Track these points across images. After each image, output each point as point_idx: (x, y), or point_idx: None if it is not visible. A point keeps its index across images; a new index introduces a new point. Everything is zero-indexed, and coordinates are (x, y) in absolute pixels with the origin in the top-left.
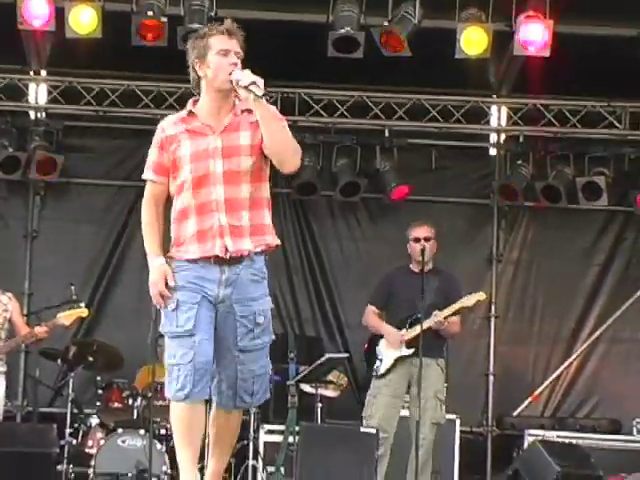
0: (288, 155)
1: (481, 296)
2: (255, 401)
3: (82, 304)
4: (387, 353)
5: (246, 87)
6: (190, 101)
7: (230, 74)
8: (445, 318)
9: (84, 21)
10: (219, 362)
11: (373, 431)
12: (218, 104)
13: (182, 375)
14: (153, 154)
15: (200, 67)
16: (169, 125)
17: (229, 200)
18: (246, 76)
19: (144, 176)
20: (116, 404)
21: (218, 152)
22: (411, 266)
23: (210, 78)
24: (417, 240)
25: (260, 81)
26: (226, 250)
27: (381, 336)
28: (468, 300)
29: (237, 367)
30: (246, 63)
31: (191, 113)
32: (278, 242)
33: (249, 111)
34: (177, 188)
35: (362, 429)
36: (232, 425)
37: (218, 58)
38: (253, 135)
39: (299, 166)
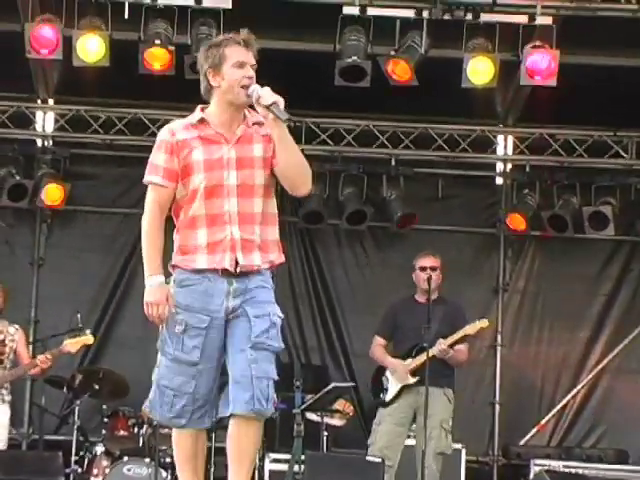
0: (302, 178)
1: (484, 323)
2: (270, 407)
3: (87, 331)
4: (393, 382)
5: (268, 107)
6: (198, 108)
7: (245, 87)
8: (450, 346)
9: (91, 50)
10: (232, 366)
11: (379, 460)
12: (230, 115)
13: (178, 405)
14: (161, 158)
15: (214, 77)
16: (179, 129)
17: (242, 214)
18: (267, 94)
19: (149, 180)
20: (122, 432)
21: (232, 163)
22: (416, 296)
23: (224, 89)
24: (423, 269)
25: (281, 101)
26: (236, 264)
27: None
28: (471, 328)
29: (251, 366)
30: None
31: (202, 120)
32: (283, 260)
33: (259, 124)
34: (186, 196)
35: (368, 458)
36: (253, 436)
37: (233, 70)
38: (265, 148)
39: (310, 190)
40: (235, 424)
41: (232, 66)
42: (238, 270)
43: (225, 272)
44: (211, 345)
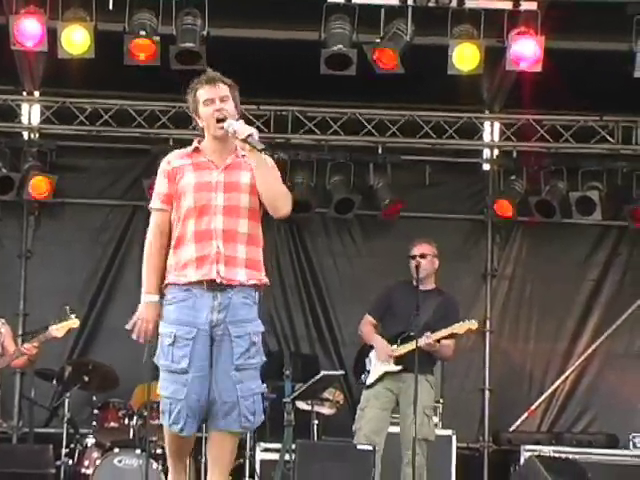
0: (280, 203)
1: (473, 325)
2: (257, 421)
3: (72, 315)
4: (375, 365)
5: (244, 140)
6: (195, 140)
7: (220, 121)
8: (436, 341)
9: (76, 41)
10: (219, 387)
11: (369, 447)
12: (219, 147)
13: (175, 410)
14: (162, 185)
15: (197, 118)
16: (175, 158)
17: (227, 231)
18: (242, 128)
19: (151, 206)
20: (112, 424)
21: (220, 186)
22: (413, 281)
23: (205, 127)
24: (413, 257)
25: (255, 133)
26: (219, 275)
27: (371, 347)
28: (460, 327)
29: (237, 387)
30: (240, 82)
31: (197, 149)
32: (268, 281)
33: None
34: (179, 216)
35: (358, 446)
36: (232, 446)
37: (205, 109)
38: (253, 176)
39: (290, 212)
40: (219, 435)
41: (204, 105)
42: (219, 281)
43: (210, 285)
44: (198, 355)
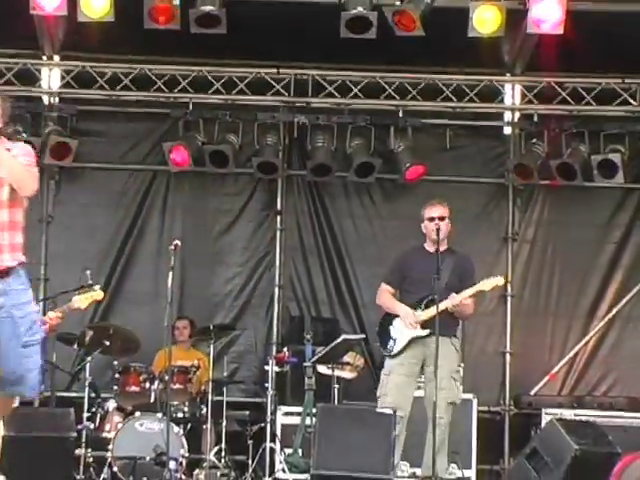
0: (22, 184)
1: (499, 281)
2: (39, 389)
3: (97, 287)
4: (401, 333)
5: None
6: None
7: None
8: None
9: (96, 5)
10: (5, 361)
11: (390, 411)
12: None
13: None
14: None
15: None
16: None
17: None
18: None
19: None
20: (133, 388)
21: None
22: (425, 245)
23: None
24: (431, 219)
25: None
26: None
27: (394, 315)
28: (486, 284)
29: (22, 360)
30: (260, 45)
31: None
32: (25, 259)
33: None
34: None
35: (379, 409)
36: (11, 406)
37: None
38: None
39: (36, 190)
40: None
41: None
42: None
43: None
44: None
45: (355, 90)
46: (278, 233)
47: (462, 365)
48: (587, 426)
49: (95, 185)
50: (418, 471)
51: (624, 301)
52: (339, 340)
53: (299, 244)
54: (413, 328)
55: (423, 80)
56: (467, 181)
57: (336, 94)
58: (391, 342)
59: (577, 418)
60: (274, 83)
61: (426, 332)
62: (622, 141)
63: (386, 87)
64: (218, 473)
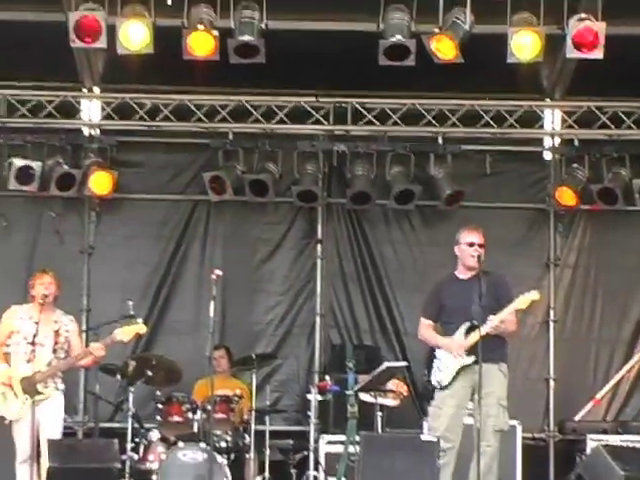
0: None
1: (535, 296)
2: None
3: (140, 320)
4: (448, 364)
5: None
6: None
7: None
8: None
9: (135, 37)
10: None
11: (434, 439)
12: None
13: None
14: None
15: None
16: None
17: None
18: None
19: None
20: (176, 418)
21: None
22: (456, 272)
23: None
24: (471, 245)
25: None
26: None
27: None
28: (523, 301)
29: None
30: (298, 74)
31: None
32: None
33: None
34: None
35: (423, 437)
36: None
37: None
38: None
39: None
40: None
41: None
42: None
43: None
44: None
45: (394, 117)
46: (319, 261)
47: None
48: (633, 452)
49: (136, 216)
50: None
51: None
52: (382, 368)
53: (340, 272)
54: (460, 357)
55: (462, 106)
56: (507, 207)
57: (375, 122)
58: (439, 375)
59: (622, 444)
60: (313, 112)
61: (472, 359)
62: None
63: (425, 114)
64: None
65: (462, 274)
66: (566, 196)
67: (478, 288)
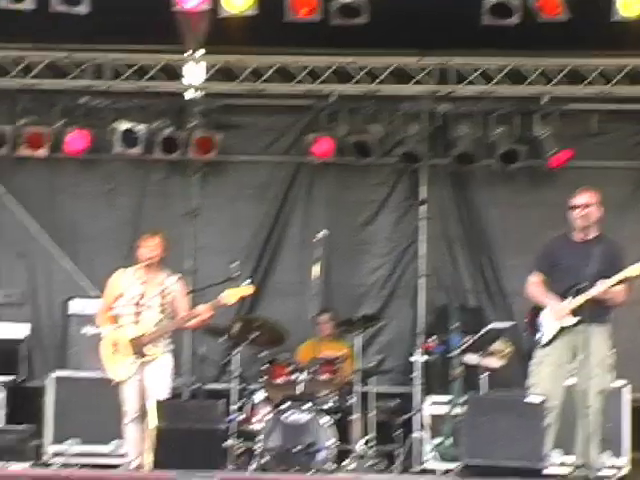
0: None
1: None
2: None
3: (247, 282)
4: (550, 323)
5: None
6: None
7: None
8: (610, 287)
9: None
10: None
11: (539, 400)
12: None
13: None
14: None
15: None
16: None
17: None
18: None
19: None
20: (281, 379)
21: None
22: (573, 234)
23: None
24: (574, 207)
25: None
26: None
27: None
28: (633, 270)
29: None
30: (403, 34)
31: None
32: None
33: None
34: None
35: (528, 399)
36: None
37: None
38: None
39: None
40: None
41: None
42: None
43: None
44: None
45: (499, 77)
46: (422, 222)
47: (614, 351)
48: None
49: (239, 178)
50: (571, 459)
51: None
52: (487, 328)
53: (443, 233)
54: (562, 319)
55: (567, 65)
56: (614, 166)
57: (480, 81)
58: (540, 332)
59: None
60: (417, 72)
61: (574, 320)
62: None
63: (530, 73)
64: (367, 463)
65: (576, 236)
66: None
67: (591, 251)
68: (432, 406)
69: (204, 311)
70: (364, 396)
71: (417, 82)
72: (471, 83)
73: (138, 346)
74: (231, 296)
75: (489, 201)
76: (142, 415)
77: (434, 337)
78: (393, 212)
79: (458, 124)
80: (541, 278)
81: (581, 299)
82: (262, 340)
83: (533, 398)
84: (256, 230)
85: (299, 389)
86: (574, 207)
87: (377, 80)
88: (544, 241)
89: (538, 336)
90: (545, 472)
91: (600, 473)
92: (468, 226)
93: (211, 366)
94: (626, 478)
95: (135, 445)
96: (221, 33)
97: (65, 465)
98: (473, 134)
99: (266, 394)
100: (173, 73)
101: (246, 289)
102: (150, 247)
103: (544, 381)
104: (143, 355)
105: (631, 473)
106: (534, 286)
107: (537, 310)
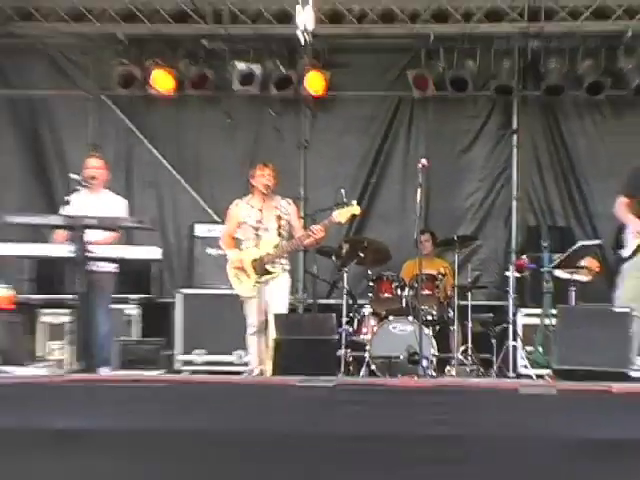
0: None
1: None
2: None
3: (354, 202)
4: (631, 239)
5: None
6: None
7: None
8: None
9: None
10: None
11: (626, 310)
12: None
13: None
14: None
15: None
16: None
17: None
18: None
19: None
20: (386, 294)
21: None
22: None
23: None
24: None
25: None
26: None
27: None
28: None
29: None
30: None
31: None
32: None
33: None
34: None
35: (614, 309)
36: None
37: None
38: None
39: None
40: None
41: None
42: None
43: None
44: None
45: (586, 13)
46: (514, 150)
47: None
48: None
49: (346, 113)
50: None
51: None
52: (577, 246)
53: (534, 160)
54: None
55: None
56: None
57: (568, 18)
58: (623, 249)
59: None
60: (509, 11)
61: None
62: None
63: (614, 10)
64: (467, 369)
65: None
66: None
67: None
68: (524, 317)
69: (318, 230)
70: (462, 309)
71: (509, 21)
72: (560, 20)
73: (260, 266)
74: (341, 215)
75: (576, 129)
76: (263, 328)
77: (526, 255)
78: (488, 141)
79: (547, 59)
80: (627, 200)
81: None
82: (368, 259)
83: (619, 308)
84: (361, 161)
85: (403, 303)
86: None
87: (472, 19)
88: (629, 166)
89: (622, 252)
90: (631, 375)
91: None
92: (557, 153)
93: (322, 284)
94: None
95: (257, 355)
96: None
97: (194, 372)
98: (561, 68)
99: (372, 308)
100: (286, 17)
101: (354, 208)
102: (266, 176)
103: (628, 292)
104: (265, 274)
105: None
106: (621, 206)
107: (622, 229)
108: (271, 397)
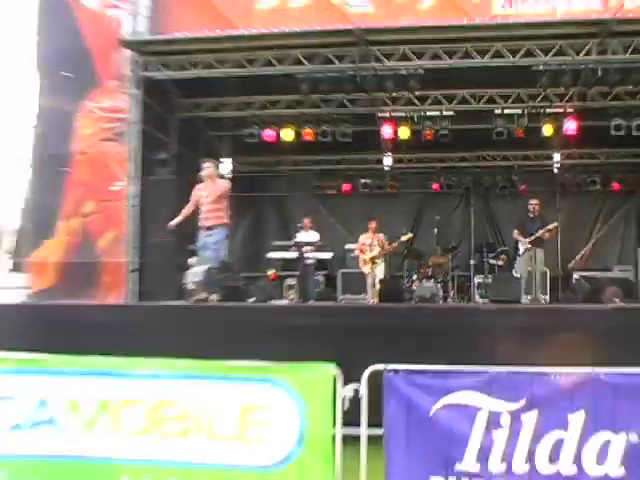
0: None
1: None
2: None
3: (406, 231)
4: None
5: None
6: None
7: None
8: None
9: None
10: None
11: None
12: None
13: None
14: None
15: None
16: None
17: None
18: None
19: None
20: (422, 271)
21: None
22: None
23: None
24: None
25: None
26: None
27: None
28: None
29: None
30: None
31: None
32: None
33: None
34: None
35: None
36: None
37: None
38: None
39: None
40: None
41: None
42: None
43: None
44: None
45: None
46: None
47: None
48: None
49: None
50: None
51: None
52: None
53: None
54: None
55: None
56: None
57: None
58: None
59: None
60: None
61: None
62: None
63: None
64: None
65: None
66: None
67: None
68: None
69: (392, 246)
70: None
71: None
72: None
73: (372, 260)
74: (403, 238)
75: None
76: (372, 285)
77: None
78: None
79: None
80: None
81: None
82: (416, 254)
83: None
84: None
85: (429, 273)
86: None
87: None
88: None
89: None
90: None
91: None
92: None
93: (395, 267)
94: None
95: (371, 296)
96: None
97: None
98: None
99: (416, 276)
100: None
101: (408, 236)
102: (374, 231)
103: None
104: (374, 263)
105: None
106: None
107: None
108: None
